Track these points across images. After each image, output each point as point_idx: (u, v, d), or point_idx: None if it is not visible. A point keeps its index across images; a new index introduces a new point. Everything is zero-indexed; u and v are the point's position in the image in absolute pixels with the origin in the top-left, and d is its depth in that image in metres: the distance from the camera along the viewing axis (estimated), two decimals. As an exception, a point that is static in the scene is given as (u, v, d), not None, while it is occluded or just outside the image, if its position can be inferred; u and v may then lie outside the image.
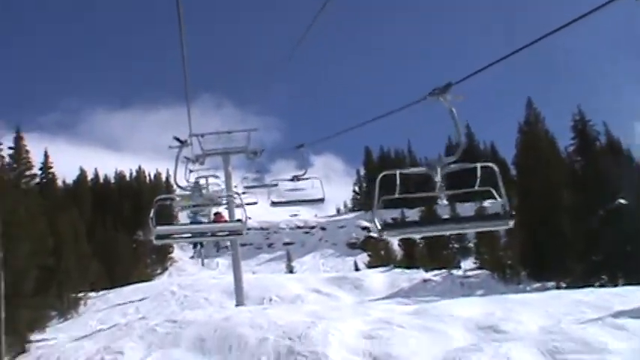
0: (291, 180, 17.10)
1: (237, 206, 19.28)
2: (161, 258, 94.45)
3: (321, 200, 17.28)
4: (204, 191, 12.31)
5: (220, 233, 9.96)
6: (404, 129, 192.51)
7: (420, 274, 52.70)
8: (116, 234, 77.19)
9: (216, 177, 21.38)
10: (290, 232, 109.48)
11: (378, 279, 52.30)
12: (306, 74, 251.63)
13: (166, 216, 79.10)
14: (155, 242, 9.45)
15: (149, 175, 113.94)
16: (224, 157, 23.47)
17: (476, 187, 7.32)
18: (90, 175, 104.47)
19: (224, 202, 18.98)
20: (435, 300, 30.71)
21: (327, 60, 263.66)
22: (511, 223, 7.15)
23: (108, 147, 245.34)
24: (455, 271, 52.93)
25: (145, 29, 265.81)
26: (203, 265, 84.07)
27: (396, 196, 7.28)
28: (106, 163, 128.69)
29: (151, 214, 8.91)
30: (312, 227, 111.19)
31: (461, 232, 8.29)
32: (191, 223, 17.17)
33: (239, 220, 11.11)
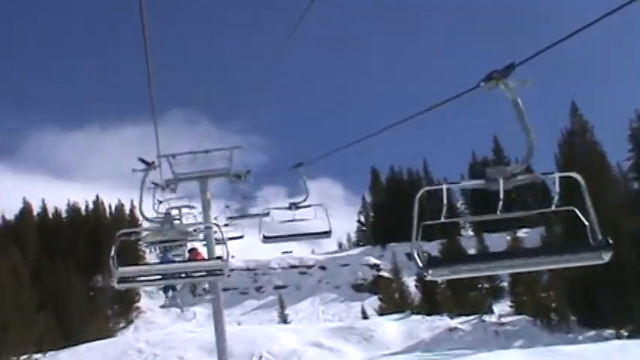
0: (289, 208, 16.47)
1: (217, 242, 18.66)
2: (125, 308, 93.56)
3: (328, 234, 16.63)
4: (176, 223, 12.33)
5: (197, 274, 9.82)
6: (415, 147, 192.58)
7: (444, 322, 52.15)
8: (69, 279, 76.58)
9: (192, 207, 21.13)
10: (282, 272, 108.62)
11: (393, 329, 51.98)
12: (293, 87, 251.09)
13: (131, 256, 79.54)
14: (117, 286, 9.42)
15: (109, 207, 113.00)
16: (201, 181, 21.16)
17: (553, 207, 6.49)
18: (36, 209, 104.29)
19: (201, 236, 18.88)
20: (467, 354, 29.77)
21: (316, 71, 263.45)
22: (606, 257, 5.97)
23: (57, 175, 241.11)
24: (487, 317, 52.06)
25: (102, 33, 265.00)
26: (182, 311, 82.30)
27: (442, 220, 6.42)
28: (56, 194, 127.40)
29: (112, 253, 8.84)
30: (310, 266, 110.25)
31: (541, 268, 6.98)
32: (161, 262, 17.11)
33: (219, 258, 10.38)
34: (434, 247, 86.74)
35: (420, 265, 6.09)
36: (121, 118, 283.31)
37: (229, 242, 11.43)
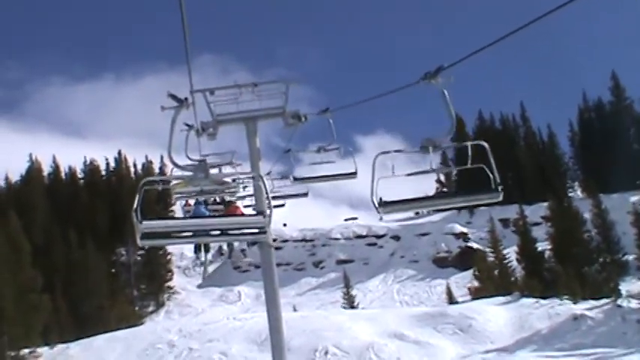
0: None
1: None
2: (154, 288, 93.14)
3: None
4: (212, 172, 12.49)
5: (233, 231, 10.37)
6: (509, 88, 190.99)
7: (565, 308, 48.84)
8: (84, 253, 76.11)
9: (233, 153, 21.98)
10: (346, 243, 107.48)
11: (498, 316, 49.36)
12: (340, 32, 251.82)
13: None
14: (140, 243, 9.93)
15: (134, 165, 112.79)
16: (248, 124, 20.15)
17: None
18: (46, 168, 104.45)
19: (242, 189, 21.91)
20: (609, 354, 25.76)
21: (365, 13, 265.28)
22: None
23: (67, 132, 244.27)
24: (625, 302, 47.90)
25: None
26: (205, 276, 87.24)
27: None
28: (68, 154, 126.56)
29: (135, 204, 9.43)
30: (380, 236, 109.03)
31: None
32: (192, 217, 17.85)
33: (260, 213, 10.89)
34: (536, 211, 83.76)
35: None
36: (138, 68, 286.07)
37: (276, 210, 11.70)
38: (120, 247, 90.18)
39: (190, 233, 10.23)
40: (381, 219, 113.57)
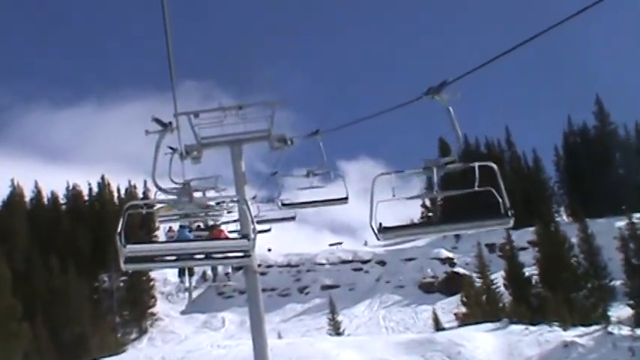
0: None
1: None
2: (137, 315, 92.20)
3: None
4: (196, 195, 13.11)
5: (217, 255, 10.54)
6: (494, 113, 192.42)
7: (555, 334, 49.35)
8: (66, 279, 75.18)
9: (217, 177, 22.07)
10: (332, 269, 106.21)
11: (487, 343, 49.50)
12: (323, 55, 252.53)
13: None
14: (124, 267, 10.02)
15: (117, 190, 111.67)
16: (233, 147, 20.46)
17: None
18: (28, 193, 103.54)
19: (226, 212, 21.51)
20: None
21: (343, 39, 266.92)
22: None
23: (51, 158, 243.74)
24: (615, 329, 47.77)
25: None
26: (190, 299, 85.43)
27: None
28: (51, 179, 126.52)
29: (120, 228, 9.60)
30: (366, 261, 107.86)
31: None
32: (176, 240, 18.76)
33: (245, 236, 11.07)
34: (522, 236, 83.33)
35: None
36: (120, 93, 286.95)
37: (260, 236, 11.96)
38: (102, 272, 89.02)
39: (174, 257, 10.31)
40: (365, 244, 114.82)
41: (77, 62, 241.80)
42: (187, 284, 38.94)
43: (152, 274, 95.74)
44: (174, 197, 11.65)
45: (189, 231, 23.32)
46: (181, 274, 34.71)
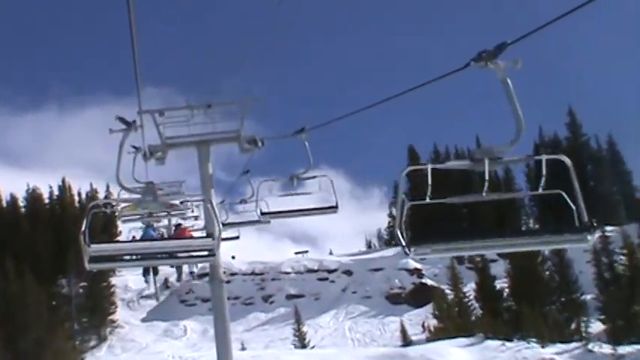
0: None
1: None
2: (97, 322, 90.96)
3: (334, 209, 17.92)
4: (160, 193, 12.80)
5: (182, 254, 10.51)
6: (463, 122, 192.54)
7: (533, 351, 50.09)
8: (23, 284, 73.38)
9: (181, 182, 22.77)
10: (297, 278, 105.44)
11: (461, 358, 50.09)
12: (291, 56, 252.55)
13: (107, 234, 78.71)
14: (88, 267, 10.00)
15: (79, 194, 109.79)
16: (200, 149, 19.98)
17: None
18: None
19: (190, 212, 22.81)
20: None
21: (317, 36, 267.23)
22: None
23: (9, 162, 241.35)
24: (596, 348, 47.13)
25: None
26: (158, 299, 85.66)
27: (427, 200, 8.18)
28: (10, 183, 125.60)
29: (83, 227, 9.50)
30: (332, 271, 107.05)
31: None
32: (140, 239, 18.74)
33: (209, 236, 11.04)
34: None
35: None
36: (81, 99, 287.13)
37: (227, 243, 16.37)
38: (61, 278, 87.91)
39: (139, 256, 10.25)
40: (330, 253, 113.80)
41: (37, 67, 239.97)
42: (152, 284, 39.85)
43: (113, 281, 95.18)
44: (138, 196, 11.66)
45: (154, 230, 23.61)
46: (146, 272, 33.88)
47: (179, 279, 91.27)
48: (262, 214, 18.88)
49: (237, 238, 24.28)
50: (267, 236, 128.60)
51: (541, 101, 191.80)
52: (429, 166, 7.88)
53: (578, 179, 7.91)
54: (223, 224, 21.02)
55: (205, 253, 10.30)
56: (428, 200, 8.02)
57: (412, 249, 7.87)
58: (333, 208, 17.76)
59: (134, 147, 17.50)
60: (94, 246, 9.51)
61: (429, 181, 7.79)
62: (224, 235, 21.22)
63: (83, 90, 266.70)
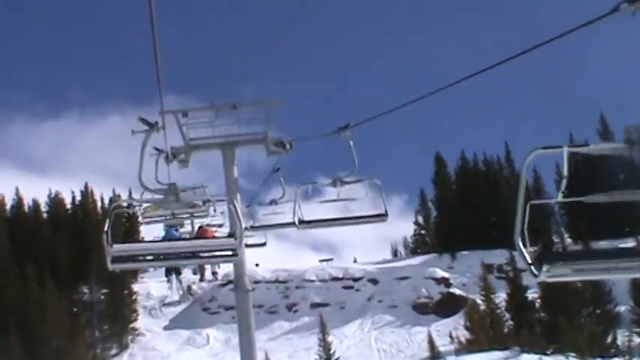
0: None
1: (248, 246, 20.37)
2: (118, 330, 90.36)
3: (383, 217, 16.62)
4: (183, 194, 13.39)
5: (204, 254, 10.72)
6: (492, 129, 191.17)
7: None
8: (43, 290, 73.86)
9: (205, 187, 22.67)
10: (322, 286, 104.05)
11: None
12: (306, 66, 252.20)
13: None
14: (111, 267, 10.13)
15: (101, 200, 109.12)
16: (225, 151, 19.25)
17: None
18: (8, 202, 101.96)
19: (212, 211, 22.53)
20: None
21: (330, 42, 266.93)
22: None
23: (34, 168, 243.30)
24: None
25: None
26: (180, 299, 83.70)
27: (559, 199, 6.98)
28: (32, 189, 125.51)
29: (106, 227, 9.78)
30: (357, 279, 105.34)
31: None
32: (163, 240, 19.17)
33: (231, 236, 11.19)
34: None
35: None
36: (101, 107, 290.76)
37: (253, 250, 17.00)
38: (83, 284, 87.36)
39: (160, 256, 10.48)
40: (355, 261, 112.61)
41: (57, 75, 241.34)
42: (174, 289, 39.74)
43: (135, 287, 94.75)
44: (160, 196, 11.85)
45: (176, 230, 23.71)
46: (168, 272, 34.67)
47: (202, 279, 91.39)
48: (301, 222, 17.32)
49: (264, 244, 24.11)
50: (287, 244, 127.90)
51: (572, 107, 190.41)
52: (566, 149, 6.40)
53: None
54: (252, 227, 21.55)
55: (228, 253, 10.46)
56: (560, 198, 6.81)
57: (545, 269, 6.35)
58: (383, 216, 16.45)
59: (156, 149, 17.03)
60: (116, 246, 9.71)
61: (565, 171, 6.36)
62: (250, 241, 22.26)
63: (103, 98, 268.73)
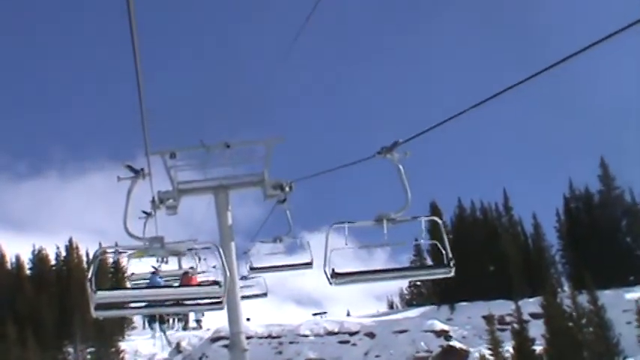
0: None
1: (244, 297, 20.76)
2: None
3: (309, 265, 19.32)
4: (168, 241, 12.47)
5: (188, 302, 10.97)
6: (490, 175, 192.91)
7: None
8: (24, 351, 73.88)
9: (195, 240, 17.98)
10: (316, 341, 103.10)
11: None
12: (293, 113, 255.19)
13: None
14: (95, 314, 10.15)
15: (87, 255, 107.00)
16: (218, 195, 19.04)
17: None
18: None
19: (198, 260, 21.91)
20: None
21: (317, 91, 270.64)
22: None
23: (17, 227, 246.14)
24: None
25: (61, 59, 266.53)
26: (169, 356, 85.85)
27: (346, 244, 12.05)
28: (15, 245, 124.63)
29: (90, 274, 10.12)
30: (353, 333, 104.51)
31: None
32: (147, 287, 18.49)
33: (216, 283, 11.37)
34: (523, 307, 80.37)
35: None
36: (81, 165, 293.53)
37: (251, 301, 17.67)
38: (67, 344, 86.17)
39: (144, 303, 10.77)
40: (348, 314, 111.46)
41: (36, 135, 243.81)
42: (157, 333, 38.03)
43: (122, 345, 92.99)
44: (145, 244, 11.66)
45: (160, 277, 22.41)
46: (152, 321, 31.79)
47: (185, 327, 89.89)
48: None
49: (265, 295, 24.12)
50: (271, 297, 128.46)
51: (572, 153, 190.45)
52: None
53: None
54: (251, 268, 21.79)
55: (212, 301, 10.60)
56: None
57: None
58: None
59: (145, 212, 17.87)
60: (100, 292, 9.91)
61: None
62: (250, 292, 23.39)
63: (82, 156, 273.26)
